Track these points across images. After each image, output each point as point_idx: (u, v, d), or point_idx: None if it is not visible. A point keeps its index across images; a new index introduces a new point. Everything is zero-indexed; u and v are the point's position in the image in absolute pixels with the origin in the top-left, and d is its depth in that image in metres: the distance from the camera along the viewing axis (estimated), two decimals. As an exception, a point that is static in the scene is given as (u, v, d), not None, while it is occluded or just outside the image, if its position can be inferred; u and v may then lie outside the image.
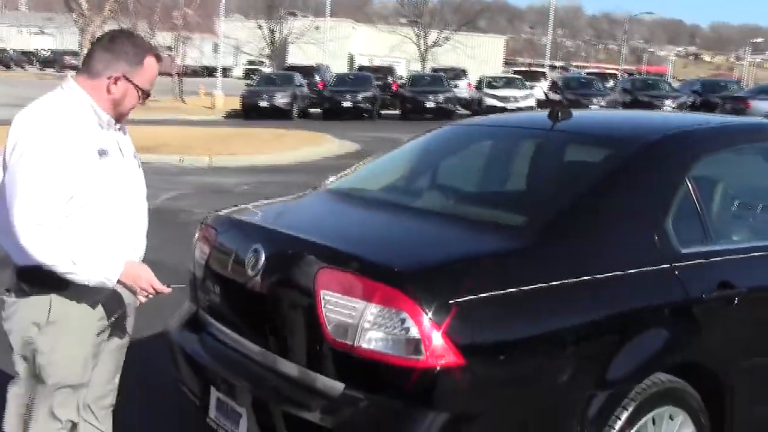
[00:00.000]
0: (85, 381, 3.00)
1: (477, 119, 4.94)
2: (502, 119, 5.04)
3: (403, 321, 2.62)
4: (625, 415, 2.93)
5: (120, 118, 3.00)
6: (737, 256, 3.42)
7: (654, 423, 3.06)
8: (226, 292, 3.41)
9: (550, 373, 2.81)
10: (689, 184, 3.33)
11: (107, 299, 2.96)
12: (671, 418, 3.15)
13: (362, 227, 3.47)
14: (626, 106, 28.59)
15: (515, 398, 2.75)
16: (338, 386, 2.78)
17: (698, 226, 3.36)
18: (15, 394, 2.99)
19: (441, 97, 30.77)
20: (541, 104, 32.90)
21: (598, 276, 2.94)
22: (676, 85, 37.76)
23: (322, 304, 2.82)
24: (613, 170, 3.35)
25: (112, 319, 3.03)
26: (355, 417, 2.72)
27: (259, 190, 12.04)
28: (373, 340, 2.67)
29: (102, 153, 2.88)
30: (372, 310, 2.67)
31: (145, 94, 2.97)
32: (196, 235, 3.75)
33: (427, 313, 2.60)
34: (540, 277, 2.84)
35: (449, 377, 2.61)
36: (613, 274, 2.98)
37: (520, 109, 29.50)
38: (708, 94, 30.55)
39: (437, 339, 2.59)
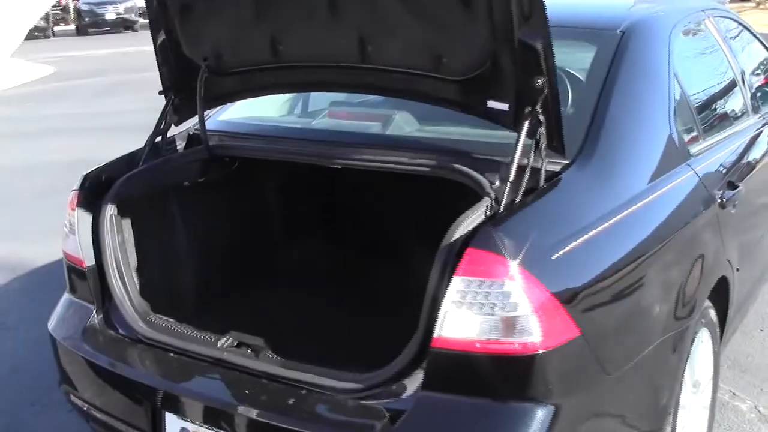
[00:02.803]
0: None
1: None
2: None
3: (506, 295, 1.92)
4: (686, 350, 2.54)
5: None
6: (725, 151, 3.11)
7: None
8: None
9: (644, 318, 2.31)
10: (673, 74, 2.90)
11: None
12: (702, 339, 2.82)
13: None
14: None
15: (624, 357, 2.21)
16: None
17: (691, 120, 2.97)
18: None
19: (121, 8, 28.54)
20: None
21: (653, 195, 2.45)
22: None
23: None
24: (611, 70, 2.68)
25: None
26: None
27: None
28: (459, 325, 1.96)
29: None
30: (458, 287, 1.96)
31: None
32: None
33: (536, 280, 1.93)
34: (610, 209, 2.28)
35: (571, 355, 1.98)
36: (663, 189, 2.51)
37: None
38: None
39: (553, 311, 1.95)
